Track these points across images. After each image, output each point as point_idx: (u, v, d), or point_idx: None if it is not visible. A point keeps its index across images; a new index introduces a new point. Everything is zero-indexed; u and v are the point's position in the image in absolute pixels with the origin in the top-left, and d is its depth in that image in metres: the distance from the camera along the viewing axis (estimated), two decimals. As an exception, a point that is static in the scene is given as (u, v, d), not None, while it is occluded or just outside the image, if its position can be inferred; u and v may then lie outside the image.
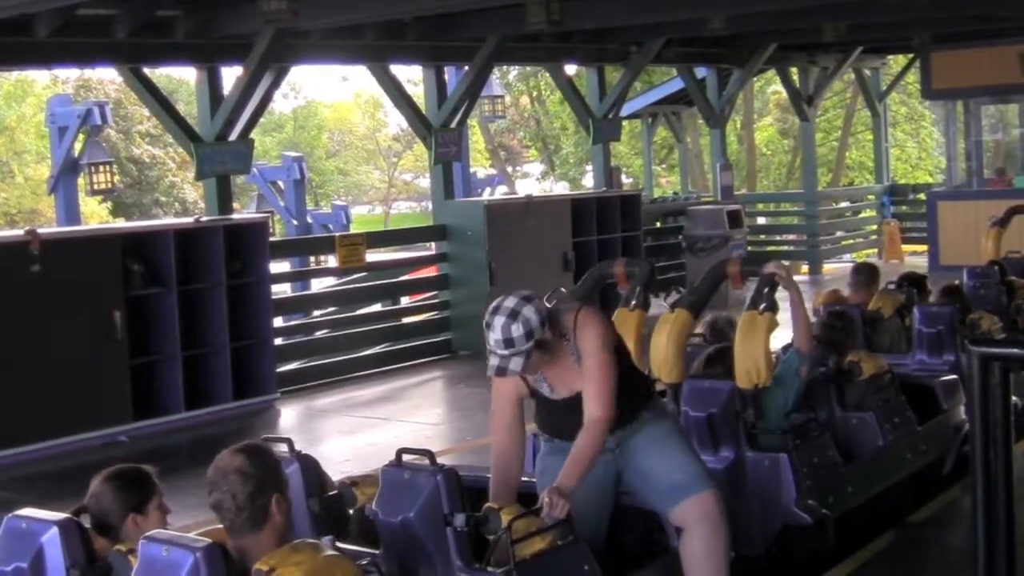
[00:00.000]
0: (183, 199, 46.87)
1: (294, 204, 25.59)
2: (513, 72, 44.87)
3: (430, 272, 17.52)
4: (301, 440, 6.57)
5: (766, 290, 7.41)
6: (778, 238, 28.81)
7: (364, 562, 4.83)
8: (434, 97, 16.80)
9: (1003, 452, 4.40)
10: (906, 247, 25.87)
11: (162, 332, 12.80)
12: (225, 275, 13.18)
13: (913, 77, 31.13)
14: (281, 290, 16.67)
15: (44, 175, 33.62)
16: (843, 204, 28.93)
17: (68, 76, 46.16)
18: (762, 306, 7.33)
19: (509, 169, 54.06)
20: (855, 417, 8.37)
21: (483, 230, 15.98)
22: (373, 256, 16.43)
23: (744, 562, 6.64)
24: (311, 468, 5.60)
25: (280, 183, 26.20)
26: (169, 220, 29.84)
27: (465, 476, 5.49)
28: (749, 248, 22.15)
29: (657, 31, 18.41)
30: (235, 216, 14.66)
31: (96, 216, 40.76)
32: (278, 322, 14.78)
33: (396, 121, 56.80)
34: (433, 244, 17.44)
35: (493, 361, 5.79)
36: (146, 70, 14.26)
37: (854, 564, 7.63)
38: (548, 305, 5.84)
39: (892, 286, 11.26)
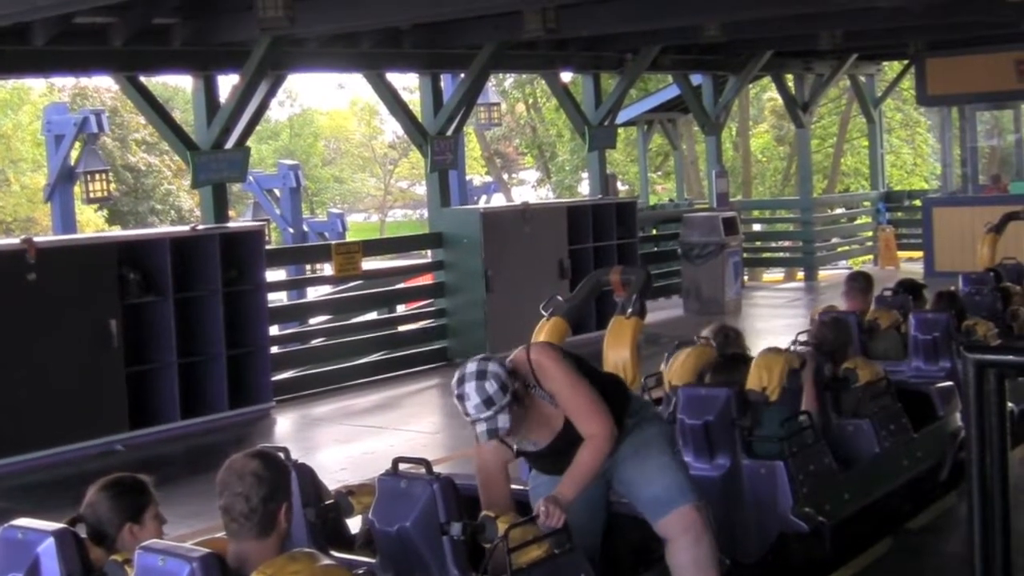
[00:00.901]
0: (179, 207, 46.83)
1: (290, 212, 25.61)
2: (509, 79, 44.87)
3: (426, 280, 17.53)
4: (297, 449, 6.59)
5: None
6: (774, 245, 28.85)
7: (361, 571, 4.84)
8: (430, 105, 16.79)
9: (999, 459, 4.40)
10: (901, 253, 25.90)
11: (158, 340, 12.78)
12: (221, 283, 13.15)
13: (908, 83, 31.13)
14: (277, 298, 16.67)
15: (40, 183, 33.59)
16: (838, 211, 28.95)
17: (65, 84, 46.18)
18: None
19: (505, 176, 54.08)
20: (851, 424, 8.38)
21: (479, 238, 15.99)
22: (369, 264, 16.42)
23: (740, 570, 6.65)
24: (307, 477, 5.59)
25: (276, 191, 26.22)
26: (165, 228, 29.84)
27: (461, 485, 5.49)
28: (745, 255, 22.18)
29: (653, 38, 18.43)
30: (231, 224, 14.65)
31: (92, 224, 40.78)
32: (274, 330, 14.77)
33: (392, 128, 56.91)
34: (429, 252, 17.45)
35: (480, 428, 5.61)
36: (142, 78, 14.25)
37: (851, 571, 7.64)
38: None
39: (888, 292, 11.28)
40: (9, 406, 11.56)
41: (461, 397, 5.62)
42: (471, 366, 5.66)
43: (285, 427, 13.31)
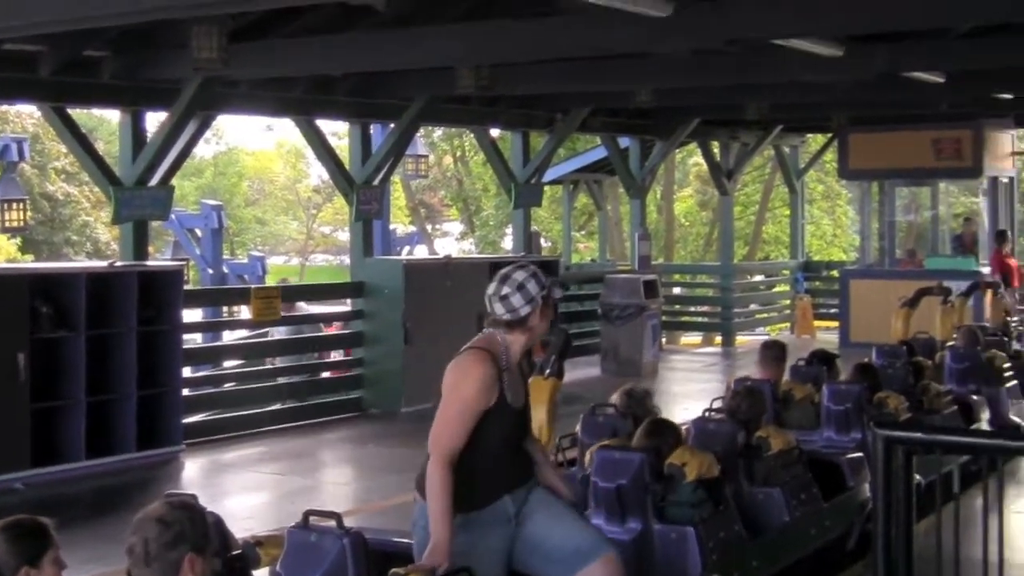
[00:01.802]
0: (96, 239, 46.37)
1: (211, 252, 25.42)
2: (438, 131, 44.95)
3: (345, 328, 17.46)
4: (205, 495, 6.52)
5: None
6: (693, 309, 28.99)
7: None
8: (358, 153, 16.79)
9: (904, 531, 4.47)
10: (818, 323, 26.07)
11: (68, 377, 12.52)
12: (137, 322, 13.00)
13: (831, 156, 31.49)
14: (192, 339, 16.53)
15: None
16: (758, 278, 29.17)
17: (-16, 107, 45.65)
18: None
19: (429, 227, 54.07)
20: (762, 492, 8.43)
21: (400, 289, 15.95)
22: (288, 309, 16.35)
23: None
24: (215, 525, 5.54)
25: (197, 231, 26.04)
26: (82, 262, 29.56)
27: (372, 539, 5.47)
28: (664, 318, 22.29)
29: (584, 100, 18.57)
30: (150, 263, 14.55)
31: (4, 251, 40.28)
32: (188, 372, 14.64)
33: (318, 172, 56.70)
34: (349, 300, 17.39)
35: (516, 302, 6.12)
36: (69, 110, 14.12)
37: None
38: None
39: (803, 363, 11.38)
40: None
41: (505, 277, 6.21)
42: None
43: (194, 472, 13.15)
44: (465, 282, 16.75)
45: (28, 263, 31.87)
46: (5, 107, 44.30)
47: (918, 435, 4.78)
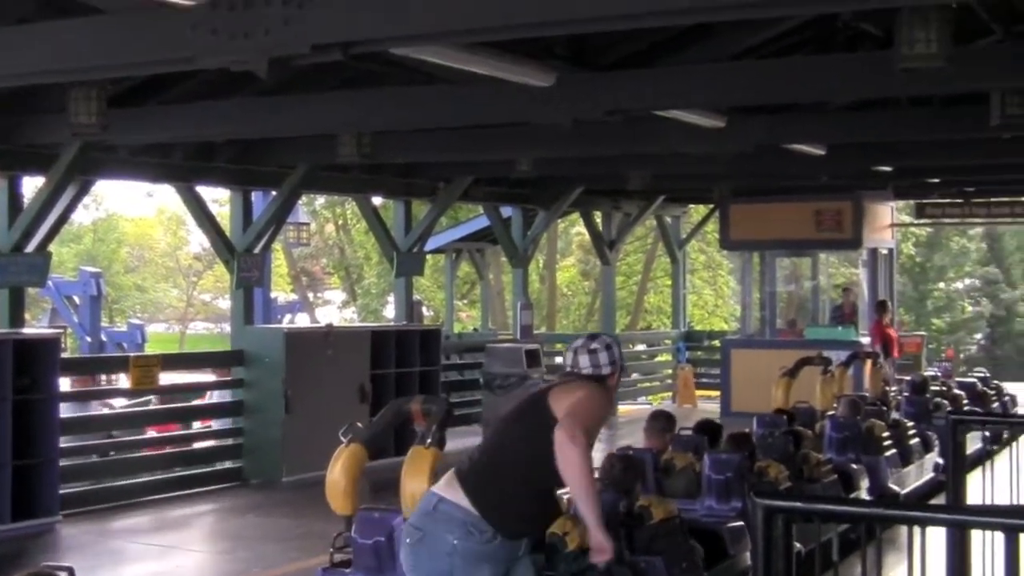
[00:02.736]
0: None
1: (89, 320, 25.15)
2: (320, 199, 44.88)
3: (224, 397, 17.29)
4: (82, 567, 6.41)
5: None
6: (575, 378, 29.01)
7: None
8: (239, 220, 16.70)
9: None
10: (700, 392, 26.21)
11: (-59, 446, 12.33)
12: (12, 391, 12.78)
13: (712, 227, 31.80)
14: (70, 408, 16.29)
15: None
16: (640, 347, 29.32)
17: None
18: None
19: (311, 295, 53.86)
20: (644, 560, 8.42)
21: (281, 358, 15.83)
22: (168, 377, 16.16)
23: None
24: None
25: (76, 298, 25.75)
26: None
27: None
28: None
29: (466, 169, 18.62)
30: (26, 330, 14.32)
31: None
32: (65, 441, 14.39)
33: (198, 239, 56.36)
34: (230, 368, 17.23)
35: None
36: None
37: None
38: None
39: (687, 432, 11.43)
40: None
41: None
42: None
43: (71, 542, 12.89)
44: (346, 351, 16.68)
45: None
46: None
47: (797, 504, 4.80)
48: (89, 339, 24.91)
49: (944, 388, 18.53)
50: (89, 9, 8.23)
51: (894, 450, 14.03)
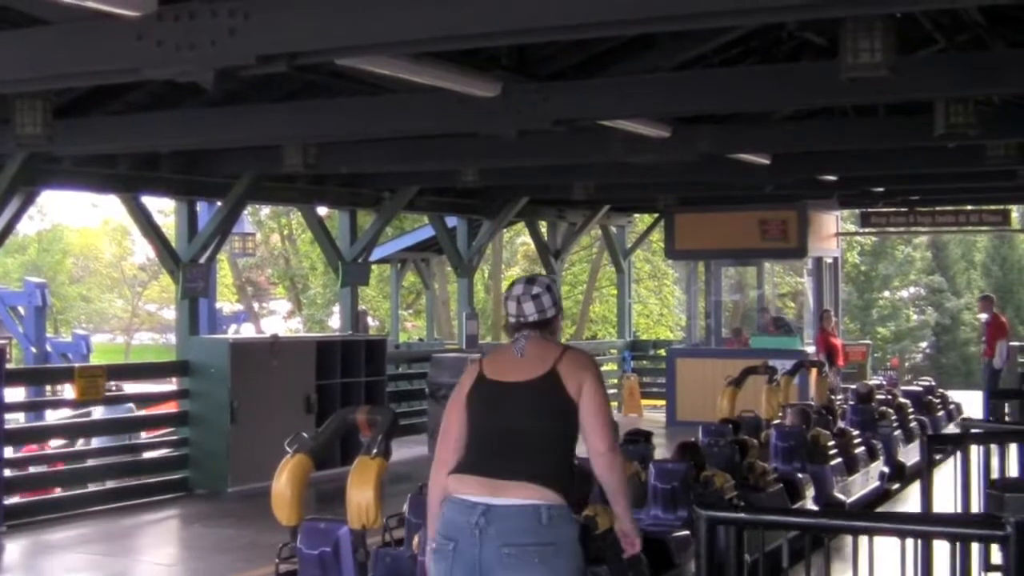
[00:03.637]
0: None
1: (33, 331, 24.99)
2: (265, 209, 44.76)
3: (170, 408, 17.21)
4: (26, 579, 6.38)
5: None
6: (521, 388, 29.02)
7: None
8: (185, 231, 16.64)
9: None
10: (646, 401, 26.25)
11: None
12: (-45, 402, 12.71)
13: (657, 236, 31.91)
14: (14, 418, 16.18)
15: None
16: (586, 357, 29.32)
17: None
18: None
19: (256, 306, 53.68)
20: (590, 571, 8.42)
21: (227, 368, 15.77)
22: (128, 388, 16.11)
23: None
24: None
25: (20, 308, 25.59)
26: (-101, 341, 28.79)
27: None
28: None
29: (410, 179, 18.62)
30: (-30, 342, 14.22)
31: None
32: (9, 452, 14.28)
33: (143, 250, 56.14)
34: (175, 379, 17.15)
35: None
36: None
37: None
38: None
39: (625, 440, 11.48)
40: None
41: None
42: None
43: (15, 554, 12.81)
44: (292, 362, 16.64)
45: None
46: None
47: (741, 515, 4.84)
48: (34, 350, 24.75)
49: (890, 397, 18.65)
50: (34, 20, 8.20)
51: (839, 459, 14.10)
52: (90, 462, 15.89)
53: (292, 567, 7.53)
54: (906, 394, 19.73)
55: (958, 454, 9.22)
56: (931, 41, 11.53)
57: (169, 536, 14.37)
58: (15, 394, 16.10)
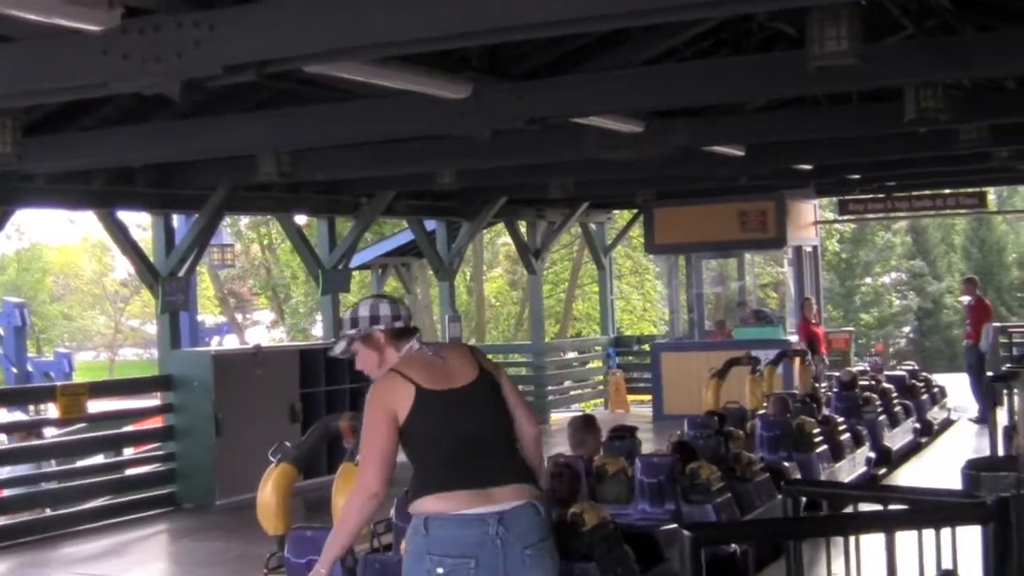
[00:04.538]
0: None
1: (14, 351, 24.97)
2: (244, 220, 44.69)
3: (155, 423, 17.17)
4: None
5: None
6: (507, 388, 28.99)
7: None
8: (162, 244, 16.60)
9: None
10: (632, 397, 26.28)
11: None
12: (-62, 425, 12.67)
13: (637, 232, 31.93)
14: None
15: None
16: (570, 355, 29.35)
17: None
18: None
19: (239, 317, 53.60)
20: (578, 568, 8.42)
21: (210, 380, 15.74)
22: (97, 405, 16.03)
23: None
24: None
25: (0, 329, 25.56)
26: None
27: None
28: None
29: (387, 184, 18.58)
30: (-49, 364, 14.18)
31: None
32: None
33: (124, 265, 56.04)
34: (159, 393, 17.11)
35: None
36: None
37: None
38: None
39: (615, 439, 11.48)
40: None
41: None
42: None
43: (5, 575, 12.82)
44: (275, 371, 16.63)
45: None
46: None
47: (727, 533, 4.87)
48: (15, 370, 24.73)
49: (874, 382, 18.68)
50: (-2, 38, 8.16)
51: (825, 446, 14.13)
52: (77, 481, 15.83)
53: (280, 576, 7.53)
54: (890, 379, 19.78)
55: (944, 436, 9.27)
56: (899, 27, 11.52)
57: (158, 551, 14.35)
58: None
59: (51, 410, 16.31)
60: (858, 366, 22.51)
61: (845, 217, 28.77)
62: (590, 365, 28.65)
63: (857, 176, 22.25)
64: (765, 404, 14.92)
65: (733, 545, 10.05)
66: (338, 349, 6.37)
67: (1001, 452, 12.12)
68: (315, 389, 17.33)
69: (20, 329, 24.93)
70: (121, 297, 60.33)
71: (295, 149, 13.62)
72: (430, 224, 22.49)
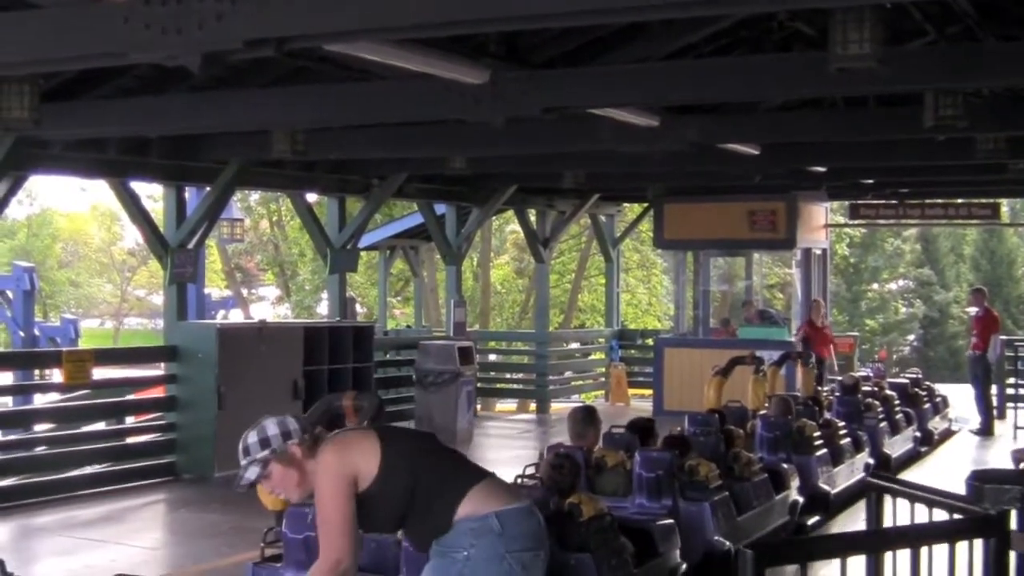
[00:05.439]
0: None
1: (22, 315, 25.00)
2: (254, 195, 44.70)
3: (158, 392, 17.21)
4: (14, 560, 6.38)
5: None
6: (508, 376, 29.06)
7: None
8: (173, 216, 16.62)
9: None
10: (633, 391, 26.28)
11: None
12: (-58, 385, 12.71)
13: (646, 226, 31.88)
14: (2, 402, 16.19)
15: None
16: (573, 345, 29.37)
17: None
18: None
19: (245, 291, 53.63)
20: (574, 558, 8.45)
21: (214, 353, 15.77)
22: (101, 372, 16.06)
23: None
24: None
25: (9, 293, 25.60)
26: None
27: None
28: (480, 384, 22.35)
29: (400, 166, 18.60)
30: (-43, 325, 14.21)
31: None
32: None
33: (132, 235, 56.10)
34: (163, 364, 17.13)
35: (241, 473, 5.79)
36: None
37: None
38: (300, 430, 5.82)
39: (620, 430, 11.48)
40: None
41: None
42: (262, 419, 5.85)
43: (3, 536, 12.84)
44: (279, 347, 16.65)
45: None
46: None
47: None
48: (22, 334, 24.75)
49: (876, 389, 18.67)
50: (21, 4, 8.17)
51: (825, 450, 14.11)
52: (78, 446, 15.87)
53: (277, 551, 7.55)
54: (892, 386, 19.74)
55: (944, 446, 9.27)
56: (921, 33, 11.51)
57: (155, 520, 14.39)
58: (3, 378, 16.09)
59: (56, 375, 16.33)
60: (861, 372, 22.49)
61: (856, 221, 28.71)
62: (592, 356, 28.64)
63: (870, 181, 22.25)
64: (767, 405, 14.91)
65: (729, 544, 10.12)
66: (251, 476, 5.86)
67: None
68: (318, 367, 17.35)
69: (29, 293, 24.95)
70: (128, 266, 60.43)
71: (309, 127, 13.63)
72: (440, 208, 22.51)
